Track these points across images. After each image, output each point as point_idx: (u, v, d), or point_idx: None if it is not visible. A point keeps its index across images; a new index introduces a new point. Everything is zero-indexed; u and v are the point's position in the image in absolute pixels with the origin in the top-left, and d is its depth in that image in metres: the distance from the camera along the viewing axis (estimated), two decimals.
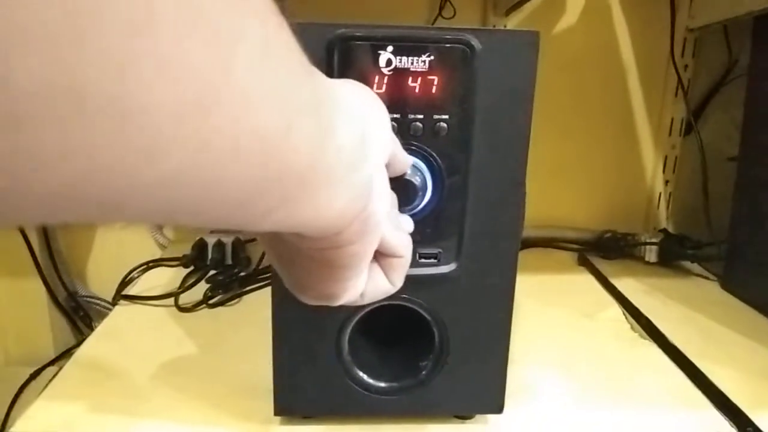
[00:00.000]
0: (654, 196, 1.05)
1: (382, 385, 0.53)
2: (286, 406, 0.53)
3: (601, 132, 1.02)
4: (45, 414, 0.56)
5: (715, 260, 0.94)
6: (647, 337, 0.76)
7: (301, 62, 0.20)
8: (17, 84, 0.11)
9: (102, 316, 1.03)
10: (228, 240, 0.89)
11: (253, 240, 0.94)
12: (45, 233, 0.95)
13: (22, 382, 0.93)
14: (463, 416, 0.56)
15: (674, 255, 0.98)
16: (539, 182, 0.99)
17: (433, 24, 0.93)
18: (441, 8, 0.93)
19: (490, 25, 0.94)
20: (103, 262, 1.03)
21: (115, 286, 0.88)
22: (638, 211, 1.06)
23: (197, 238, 0.89)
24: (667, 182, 1.04)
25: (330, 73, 0.45)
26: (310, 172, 0.21)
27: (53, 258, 0.97)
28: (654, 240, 0.99)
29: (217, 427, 0.54)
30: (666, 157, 1.03)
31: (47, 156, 0.12)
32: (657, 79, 1.00)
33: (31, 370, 0.95)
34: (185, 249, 0.93)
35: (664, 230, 1.02)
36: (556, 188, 1.04)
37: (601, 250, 1.02)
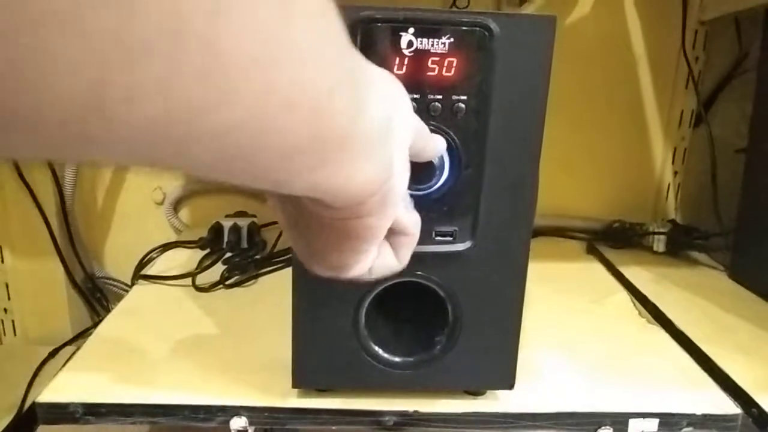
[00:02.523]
0: (663, 186, 1.06)
1: (397, 359, 0.54)
2: (303, 379, 0.55)
3: (612, 123, 1.03)
4: (69, 385, 0.58)
5: (723, 250, 0.95)
6: (654, 322, 0.78)
7: (344, 35, 0.21)
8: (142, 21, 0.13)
9: (118, 297, 1.05)
10: (244, 224, 0.91)
11: (268, 225, 0.96)
12: (65, 216, 0.97)
13: (40, 360, 0.95)
14: (474, 392, 0.57)
15: (682, 245, 0.99)
16: (549, 172, 1.00)
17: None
18: (454, 0, 0.94)
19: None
20: (120, 246, 1.05)
21: (132, 268, 0.90)
22: (647, 201, 1.07)
23: (214, 222, 0.91)
24: (676, 173, 1.05)
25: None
26: (348, 137, 0.22)
27: (72, 240, 0.99)
28: (662, 230, 1.00)
29: (237, 398, 0.56)
30: (675, 149, 1.04)
31: (147, 89, 0.14)
32: (668, 70, 1.01)
33: (50, 349, 0.97)
34: (200, 233, 0.95)
35: (673, 221, 1.03)
36: (565, 178, 1.05)
37: (609, 240, 1.04)
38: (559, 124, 0.98)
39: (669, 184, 1.06)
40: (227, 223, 0.91)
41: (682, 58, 0.98)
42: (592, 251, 1.02)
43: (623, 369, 0.65)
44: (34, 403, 0.57)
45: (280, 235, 0.93)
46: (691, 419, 0.58)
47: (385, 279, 0.51)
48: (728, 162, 0.96)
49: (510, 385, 0.56)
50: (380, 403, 0.56)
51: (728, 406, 0.60)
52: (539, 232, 1.05)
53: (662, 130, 1.04)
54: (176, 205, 1.05)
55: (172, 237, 1.04)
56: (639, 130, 1.04)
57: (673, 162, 1.05)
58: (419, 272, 0.52)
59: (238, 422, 0.56)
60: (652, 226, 1.01)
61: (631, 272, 0.92)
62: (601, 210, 1.06)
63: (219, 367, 0.61)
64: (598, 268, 0.95)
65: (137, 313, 0.73)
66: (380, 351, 0.54)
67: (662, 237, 1.00)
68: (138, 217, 1.04)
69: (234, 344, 0.66)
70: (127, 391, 0.57)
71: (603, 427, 0.58)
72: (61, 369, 0.61)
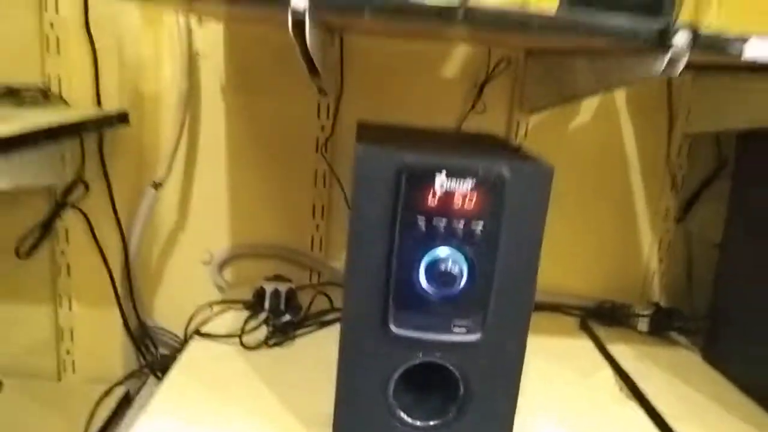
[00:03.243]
0: (649, 272, 1.20)
1: (418, 423, 0.68)
2: None
3: (607, 215, 1.18)
4: (153, 422, 0.71)
5: (698, 335, 1.08)
6: (632, 397, 0.91)
7: None
8: None
9: (165, 344, 1.19)
10: (283, 289, 1.05)
11: (303, 287, 1.11)
12: (127, 271, 1.12)
13: (95, 396, 1.08)
14: None
15: (663, 326, 1.13)
16: (551, 254, 1.15)
17: (465, 118, 1.11)
18: (473, 105, 1.10)
19: (515, 122, 1.11)
20: (170, 299, 1.19)
21: (179, 319, 1.05)
22: (635, 285, 1.21)
23: (258, 287, 1.06)
24: (661, 261, 1.19)
25: (397, 189, 0.62)
26: None
27: (132, 292, 1.14)
28: (646, 312, 1.14)
29: None
30: (661, 240, 1.19)
31: None
32: (656, 173, 1.16)
33: (104, 387, 1.10)
34: (241, 292, 1.10)
35: (657, 304, 1.17)
36: (565, 261, 1.20)
37: (600, 318, 1.17)
38: (563, 213, 1.13)
39: (654, 271, 1.20)
40: (269, 288, 1.05)
41: (668, 164, 1.14)
42: (585, 327, 1.15)
43: None
44: None
45: (312, 300, 1.08)
46: None
47: (411, 358, 0.65)
48: (708, 254, 1.10)
49: None
50: None
51: None
52: (539, 307, 1.18)
53: (650, 223, 1.19)
54: (221, 266, 1.19)
55: (215, 293, 1.19)
56: (630, 222, 1.19)
57: (658, 251, 1.19)
58: (438, 355, 0.66)
59: None
60: (637, 308, 1.15)
61: (616, 349, 1.06)
62: (594, 290, 1.20)
63: (271, 417, 0.75)
64: (587, 345, 1.08)
65: (196, 367, 0.87)
66: (404, 416, 0.68)
67: (646, 318, 1.13)
68: (187, 275, 1.19)
69: (279, 399, 0.80)
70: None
71: None
72: (141, 414, 0.75)
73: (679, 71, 0.61)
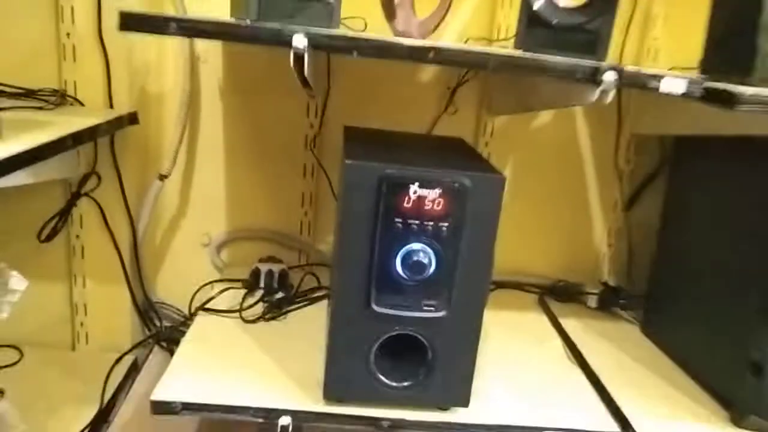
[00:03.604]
0: (600, 255, 1.36)
1: (393, 383, 0.83)
2: (331, 393, 0.84)
3: (564, 204, 1.33)
4: (170, 389, 0.86)
5: (638, 309, 1.25)
6: (577, 364, 1.07)
7: None
8: None
9: (167, 318, 1.33)
10: (276, 269, 1.19)
11: (294, 267, 1.25)
12: (135, 252, 1.25)
13: (108, 364, 1.21)
14: (443, 407, 0.86)
15: (610, 303, 1.29)
16: (515, 239, 1.31)
17: (438, 118, 1.25)
18: (446, 107, 1.24)
19: (483, 123, 1.25)
20: (173, 277, 1.33)
21: (181, 296, 1.20)
22: (587, 267, 1.37)
23: (254, 267, 1.19)
24: (610, 246, 1.35)
25: (378, 195, 0.76)
26: None
27: (139, 271, 1.27)
28: (595, 290, 1.30)
29: (285, 403, 0.85)
30: (610, 227, 1.35)
31: None
32: (607, 168, 1.31)
33: (115, 356, 1.24)
34: (237, 272, 1.24)
35: (605, 283, 1.33)
36: (525, 244, 1.35)
37: (555, 294, 1.33)
38: (525, 203, 1.29)
39: (604, 254, 1.36)
40: (264, 268, 1.19)
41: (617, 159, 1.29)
42: (542, 303, 1.31)
43: (546, 398, 0.94)
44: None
45: (302, 279, 1.22)
46: None
47: (389, 331, 0.80)
48: (652, 240, 1.25)
49: (466, 403, 0.85)
50: (380, 412, 0.84)
51: (612, 427, 0.89)
52: (502, 285, 1.34)
53: (601, 212, 1.34)
54: (219, 248, 1.33)
55: (214, 273, 1.32)
56: (584, 211, 1.34)
57: (608, 237, 1.35)
58: (411, 329, 0.81)
59: (284, 419, 0.84)
60: (588, 286, 1.31)
61: (567, 322, 1.22)
62: (551, 270, 1.36)
63: (270, 380, 0.89)
64: (543, 318, 1.24)
65: (203, 338, 1.01)
66: (382, 377, 0.83)
67: (595, 296, 1.30)
68: (188, 256, 1.32)
69: (277, 365, 0.94)
70: (210, 395, 0.85)
71: None
72: (165, 373, 0.89)
73: (609, 101, 0.76)
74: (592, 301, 1.30)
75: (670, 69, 1.24)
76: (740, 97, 0.74)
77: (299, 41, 0.70)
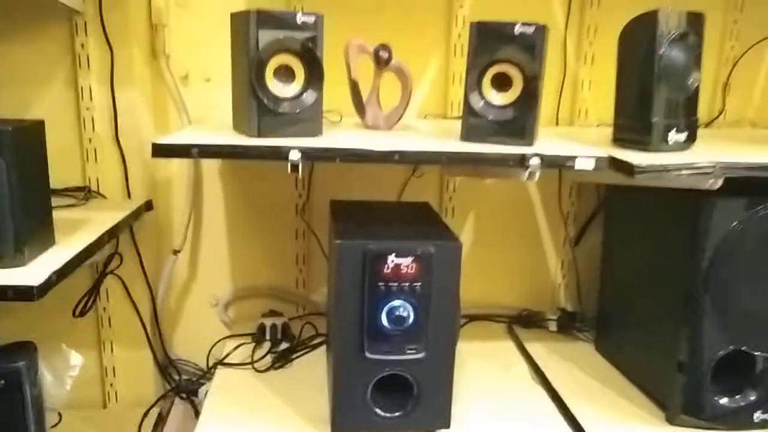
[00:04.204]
0: (556, 285, 1.58)
1: (388, 415, 1.03)
2: (339, 428, 1.03)
3: (522, 244, 1.55)
4: (207, 427, 1.04)
5: (592, 330, 1.46)
6: (540, 383, 1.27)
7: None
8: None
9: (185, 372, 1.51)
10: (279, 322, 1.38)
11: (292, 319, 1.44)
12: (156, 319, 1.43)
13: (137, 418, 1.39)
14: (428, 430, 1.06)
15: (567, 326, 1.50)
16: (483, 277, 1.52)
17: (408, 181, 1.46)
18: (413, 171, 1.46)
19: (445, 182, 1.47)
20: (187, 335, 1.51)
21: (196, 352, 1.39)
22: (546, 296, 1.59)
23: (259, 323, 1.38)
24: (564, 276, 1.57)
25: (363, 265, 0.96)
26: None
27: (159, 332, 1.45)
28: (554, 317, 1.51)
29: None
30: (563, 261, 1.56)
31: None
32: (554, 210, 1.53)
33: (141, 411, 1.41)
34: (242, 326, 1.43)
35: (563, 309, 1.55)
36: (493, 281, 1.56)
37: (521, 323, 1.54)
38: (486, 246, 1.50)
39: (560, 284, 1.58)
40: (268, 322, 1.38)
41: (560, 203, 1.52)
42: (510, 331, 1.52)
43: (514, 415, 1.14)
44: None
45: (302, 329, 1.42)
46: None
47: (381, 372, 1.00)
48: (595, 270, 1.47)
49: (447, 425, 1.05)
50: None
51: None
52: (474, 318, 1.55)
53: (554, 248, 1.56)
54: (226, 307, 1.52)
55: (222, 329, 1.51)
56: (539, 249, 1.56)
57: (561, 269, 1.57)
58: (398, 369, 1.01)
59: None
60: (548, 313, 1.53)
61: (532, 347, 1.42)
62: (515, 301, 1.57)
63: (285, 420, 1.09)
64: (510, 345, 1.45)
65: (225, 388, 1.20)
66: (378, 410, 1.03)
67: (554, 321, 1.51)
68: (199, 316, 1.51)
69: (289, 406, 1.13)
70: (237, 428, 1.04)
71: None
72: (198, 425, 1.07)
73: (537, 179, 0.98)
74: (553, 326, 1.51)
75: (597, 126, 1.47)
76: (637, 168, 0.97)
77: (294, 155, 0.91)
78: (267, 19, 0.94)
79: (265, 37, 0.94)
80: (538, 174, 0.97)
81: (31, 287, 0.86)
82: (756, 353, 1.10)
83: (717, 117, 1.53)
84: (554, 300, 1.59)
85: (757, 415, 1.12)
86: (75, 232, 1.08)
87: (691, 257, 1.08)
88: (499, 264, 1.56)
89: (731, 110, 1.53)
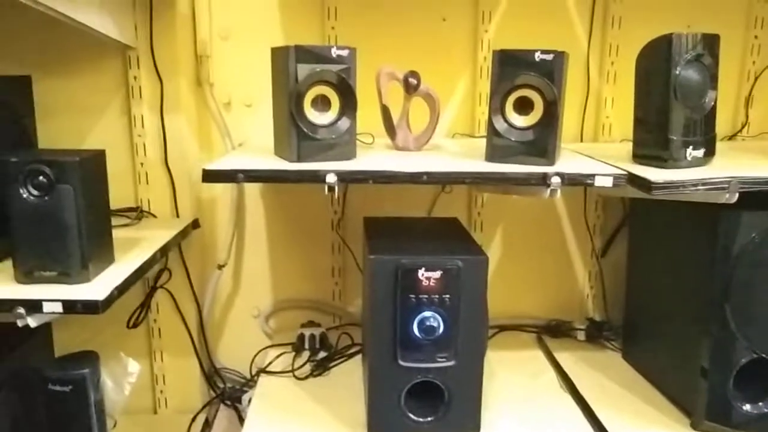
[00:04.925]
0: (584, 296, 1.63)
1: (420, 420, 1.09)
2: (374, 430, 1.10)
3: (550, 256, 1.60)
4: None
5: (619, 339, 1.50)
6: (567, 390, 1.32)
7: None
8: None
9: (229, 380, 1.60)
10: (317, 332, 1.46)
11: (329, 329, 1.52)
12: (202, 330, 1.53)
13: (185, 424, 1.48)
14: None
15: (595, 336, 1.55)
16: (512, 289, 1.57)
17: (437, 197, 1.53)
18: (443, 188, 1.52)
19: (473, 197, 1.53)
20: (231, 345, 1.60)
21: (240, 361, 1.48)
22: (574, 306, 1.63)
23: (299, 333, 1.47)
24: (591, 287, 1.62)
25: (396, 278, 1.03)
26: None
27: (205, 343, 1.54)
28: (582, 326, 1.56)
29: None
30: (590, 272, 1.61)
31: None
32: (581, 222, 1.58)
33: (189, 417, 1.50)
34: (284, 336, 1.51)
35: (591, 319, 1.59)
36: (522, 292, 1.62)
37: (550, 332, 1.59)
38: (515, 260, 1.55)
39: (588, 294, 1.62)
40: (307, 333, 1.46)
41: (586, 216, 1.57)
42: (539, 341, 1.57)
43: (542, 421, 1.20)
44: None
45: (338, 339, 1.49)
46: None
47: (413, 379, 1.06)
48: (622, 281, 1.51)
49: (478, 430, 1.11)
50: None
51: None
52: (504, 328, 1.60)
53: (581, 260, 1.61)
54: (267, 318, 1.60)
55: (264, 339, 1.60)
56: (567, 260, 1.61)
57: (589, 280, 1.61)
58: (430, 376, 1.07)
59: None
60: (576, 323, 1.57)
61: (561, 356, 1.47)
62: (544, 312, 1.62)
63: (324, 425, 1.16)
64: (539, 354, 1.50)
65: (268, 396, 1.28)
66: (411, 415, 1.09)
67: (583, 331, 1.55)
68: (242, 327, 1.60)
69: (328, 411, 1.21)
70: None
71: None
72: (243, 427, 1.15)
73: (558, 196, 1.04)
74: (581, 336, 1.56)
75: (621, 141, 1.52)
76: (654, 184, 1.02)
77: (331, 178, 0.99)
78: (305, 53, 1.03)
79: (303, 70, 1.02)
80: (559, 191, 1.03)
81: (97, 301, 0.95)
82: None
83: (740, 130, 1.56)
84: (582, 310, 1.63)
85: None
86: (131, 250, 1.18)
87: (712, 267, 1.12)
88: (528, 276, 1.62)
89: (754, 123, 1.56)
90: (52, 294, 0.96)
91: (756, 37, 1.51)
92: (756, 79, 1.53)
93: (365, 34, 1.44)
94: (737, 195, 1.04)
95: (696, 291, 1.19)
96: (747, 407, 1.15)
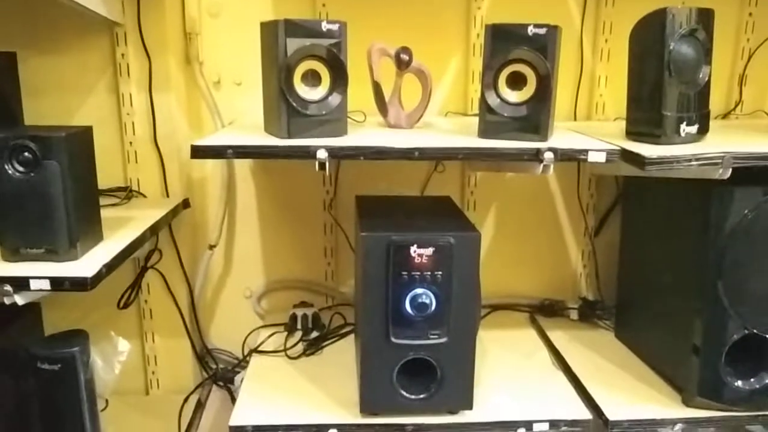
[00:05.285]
0: (577, 275, 1.62)
1: (413, 397, 1.09)
2: (366, 408, 1.10)
3: (543, 235, 1.60)
4: (242, 415, 1.12)
5: (612, 318, 1.50)
6: (559, 368, 1.32)
7: None
8: None
9: (222, 360, 1.59)
10: (309, 312, 1.46)
11: (321, 309, 1.51)
12: (193, 310, 1.52)
13: (177, 404, 1.47)
14: (452, 411, 1.12)
15: (588, 315, 1.55)
16: (505, 268, 1.57)
17: (430, 176, 1.52)
18: (435, 166, 1.51)
19: (466, 176, 1.52)
20: (223, 326, 1.59)
21: (231, 342, 1.47)
22: (567, 285, 1.63)
23: (291, 313, 1.46)
24: (584, 266, 1.61)
25: (387, 256, 1.03)
26: None
27: (197, 323, 1.54)
28: (575, 305, 1.56)
29: (331, 418, 1.11)
30: (583, 251, 1.61)
31: None
32: (574, 201, 1.58)
33: (181, 398, 1.50)
34: (276, 317, 1.50)
35: (584, 298, 1.59)
36: (515, 271, 1.61)
37: (543, 312, 1.59)
38: (508, 238, 1.55)
39: (581, 273, 1.62)
40: (299, 313, 1.46)
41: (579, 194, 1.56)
42: (532, 320, 1.57)
43: (535, 398, 1.20)
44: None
45: (331, 319, 1.49)
46: (564, 423, 1.13)
47: (406, 356, 1.06)
48: (617, 259, 1.51)
49: (470, 406, 1.11)
50: (405, 419, 1.10)
51: (586, 414, 1.15)
52: (497, 308, 1.60)
53: (574, 239, 1.61)
54: (259, 299, 1.60)
55: (256, 319, 1.59)
56: (560, 239, 1.61)
57: (582, 259, 1.61)
58: (422, 353, 1.07)
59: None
60: (569, 302, 1.57)
61: (554, 335, 1.47)
62: (538, 291, 1.62)
63: (317, 402, 1.16)
64: (532, 333, 1.50)
65: (260, 374, 1.27)
66: (404, 392, 1.09)
67: (576, 310, 1.55)
68: (234, 307, 1.59)
69: (320, 390, 1.20)
70: (273, 418, 1.11)
71: (519, 429, 1.12)
72: (235, 407, 1.15)
73: (551, 172, 1.03)
74: (574, 315, 1.56)
75: (615, 119, 1.51)
76: (648, 159, 1.01)
77: (322, 154, 0.98)
78: (294, 27, 1.01)
79: (293, 44, 1.01)
80: (552, 167, 1.03)
81: (85, 278, 0.94)
82: None
83: (734, 108, 1.56)
84: (575, 289, 1.63)
85: None
86: (120, 229, 1.17)
87: (704, 244, 1.12)
88: (521, 255, 1.61)
89: (748, 102, 1.55)
90: (39, 271, 0.95)
91: (750, 14, 1.50)
92: (750, 57, 1.52)
93: (357, 12, 1.42)
94: (730, 170, 1.03)
95: (688, 268, 1.19)
96: (738, 383, 1.15)
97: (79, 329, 1.11)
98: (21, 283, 0.94)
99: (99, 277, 0.97)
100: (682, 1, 1.45)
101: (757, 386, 1.16)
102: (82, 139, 1.04)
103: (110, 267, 1.01)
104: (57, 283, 0.94)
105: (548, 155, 1.01)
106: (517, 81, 1.07)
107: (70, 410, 1.11)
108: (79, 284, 0.94)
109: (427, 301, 1.04)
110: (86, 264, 0.99)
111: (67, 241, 0.99)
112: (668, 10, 1.04)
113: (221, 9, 1.42)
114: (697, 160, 1.02)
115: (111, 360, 1.11)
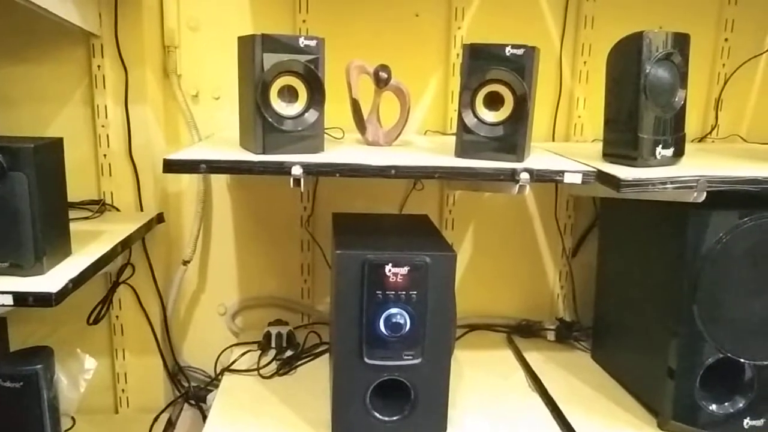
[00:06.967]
0: (554, 296, 1.62)
1: (386, 419, 1.07)
2: (339, 429, 1.07)
3: (521, 255, 1.60)
4: (214, 430, 1.09)
5: (587, 340, 1.50)
6: (536, 390, 1.31)
7: None
8: None
9: (194, 379, 1.56)
10: (284, 331, 1.43)
11: (297, 328, 1.49)
12: (166, 327, 1.49)
13: (147, 423, 1.44)
14: None
15: (565, 336, 1.54)
16: (483, 288, 1.56)
17: (409, 194, 1.51)
18: (414, 185, 1.51)
19: (445, 195, 1.52)
20: (197, 343, 1.56)
21: (205, 359, 1.44)
22: (544, 306, 1.63)
23: (265, 331, 1.44)
24: (561, 287, 1.61)
25: (362, 274, 1.01)
26: None
27: (169, 340, 1.51)
28: (552, 326, 1.55)
29: None
30: (560, 272, 1.61)
31: None
32: (552, 222, 1.58)
33: (151, 416, 1.46)
34: (251, 335, 1.48)
35: (561, 319, 1.59)
36: (493, 292, 1.61)
37: (520, 332, 1.58)
38: (486, 258, 1.54)
39: (558, 294, 1.62)
40: (274, 331, 1.43)
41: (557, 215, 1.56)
42: (510, 341, 1.56)
43: (509, 421, 1.18)
44: None
45: (306, 338, 1.47)
46: None
47: (379, 377, 1.04)
48: (593, 279, 1.51)
49: (444, 430, 1.09)
50: None
51: None
52: (475, 327, 1.59)
53: (552, 260, 1.60)
54: (233, 316, 1.57)
55: (230, 337, 1.56)
56: (538, 260, 1.60)
57: (559, 280, 1.61)
58: (396, 374, 1.05)
59: None
60: (546, 323, 1.57)
61: (530, 356, 1.46)
62: (515, 312, 1.61)
63: (289, 425, 1.13)
64: (509, 354, 1.49)
65: (231, 394, 1.25)
66: (377, 414, 1.07)
67: (552, 331, 1.55)
68: (208, 324, 1.56)
69: (292, 410, 1.18)
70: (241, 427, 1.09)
71: None
72: (206, 426, 1.12)
73: (527, 193, 1.02)
74: (551, 336, 1.55)
75: (593, 141, 1.52)
76: (623, 182, 1.01)
77: (297, 170, 0.96)
78: (271, 42, 1.00)
79: (270, 59, 1.00)
80: (528, 188, 1.02)
81: (50, 294, 0.92)
82: (744, 361, 1.14)
83: (710, 132, 1.57)
84: (552, 310, 1.63)
85: (747, 422, 1.15)
86: (90, 243, 1.14)
87: (680, 267, 1.12)
88: (498, 275, 1.60)
89: (723, 126, 1.57)
90: (2, 286, 0.92)
91: (726, 39, 1.52)
92: (726, 81, 1.54)
93: (337, 28, 1.42)
94: (705, 194, 1.04)
95: (664, 291, 1.19)
96: (713, 407, 1.15)
97: (43, 346, 1.08)
98: None
99: (65, 292, 0.94)
100: (659, 26, 1.47)
101: (732, 410, 1.15)
102: (51, 151, 1.02)
103: (77, 282, 0.98)
104: (20, 299, 0.91)
105: (524, 176, 1.01)
106: (494, 101, 1.07)
107: (32, 429, 1.08)
108: (43, 300, 0.91)
109: (402, 321, 1.03)
110: (52, 279, 0.97)
111: (32, 256, 0.96)
112: (645, 34, 1.05)
113: (201, 22, 1.41)
114: (672, 182, 1.02)
115: (76, 378, 1.08)
